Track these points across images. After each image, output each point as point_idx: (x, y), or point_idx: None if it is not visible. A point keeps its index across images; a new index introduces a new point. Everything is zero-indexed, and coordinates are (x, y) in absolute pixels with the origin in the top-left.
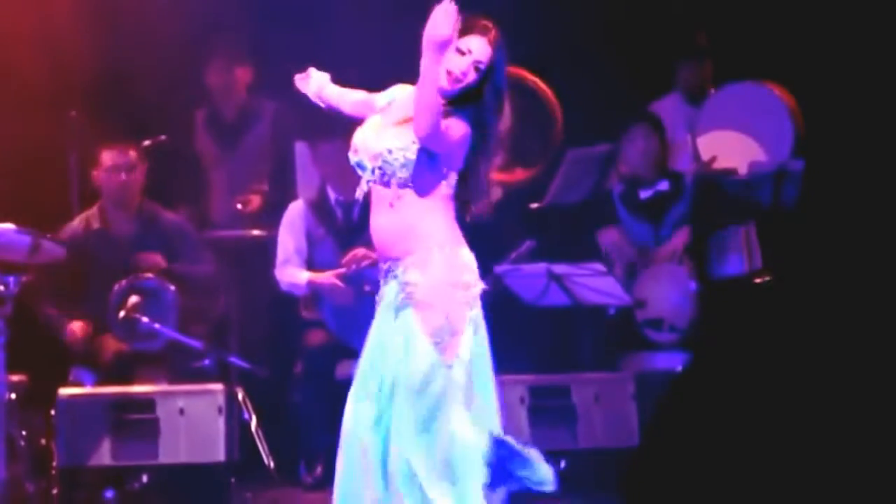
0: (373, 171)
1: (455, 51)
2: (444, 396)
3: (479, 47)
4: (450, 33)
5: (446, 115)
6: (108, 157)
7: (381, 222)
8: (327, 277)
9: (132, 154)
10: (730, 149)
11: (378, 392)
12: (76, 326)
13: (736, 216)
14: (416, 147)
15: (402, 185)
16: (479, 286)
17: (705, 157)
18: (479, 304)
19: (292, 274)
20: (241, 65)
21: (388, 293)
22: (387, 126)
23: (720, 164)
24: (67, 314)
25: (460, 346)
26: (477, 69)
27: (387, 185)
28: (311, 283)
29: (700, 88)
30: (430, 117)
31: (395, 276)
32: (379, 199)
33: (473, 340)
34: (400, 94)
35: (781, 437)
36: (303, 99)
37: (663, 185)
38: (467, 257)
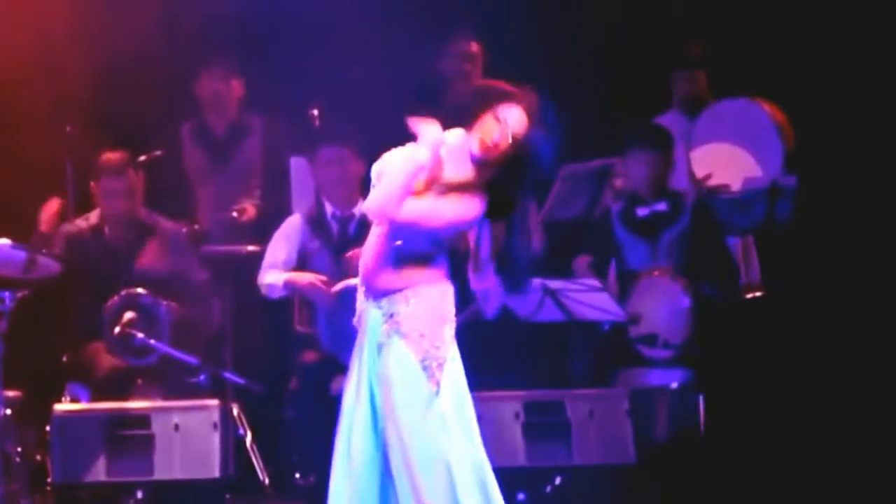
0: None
1: (492, 117)
2: (436, 425)
3: (515, 117)
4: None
5: (471, 190)
6: (107, 182)
7: (374, 256)
8: (306, 277)
9: (131, 175)
10: (723, 163)
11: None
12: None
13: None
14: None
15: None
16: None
17: (699, 173)
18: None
19: (271, 275)
20: (236, 77)
21: (372, 326)
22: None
23: (713, 181)
24: None
25: (445, 375)
26: (512, 138)
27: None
28: (287, 284)
29: (696, 100)
30: (384, 205)
31: (380, 307)
32: (380, 234)
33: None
34: (451, 141)
35: (775, 448)
36: (290, 114)
37: (661, 206)
38: (450, 293)
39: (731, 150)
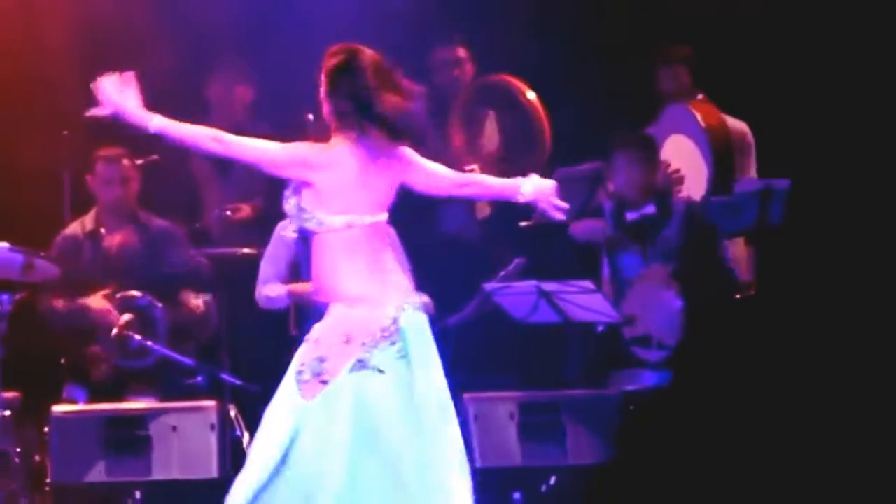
0: None
1: None
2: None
3: None
4: None
5: None
6: (103, 168)
7: None
8: (307, 286)
9: (126, 164)
10: (684, 156)
11: None
12: (96, 301)
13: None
14: None
15: None
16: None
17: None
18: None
19: (271, 289)
20: (241, 83)
21: None
22: None
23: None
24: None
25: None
26: None
27: None
28: (290, 293)
29: (680, 98)
30: None
31: None
32: None
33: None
34: None
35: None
36: (297, 123)
37: (649, 209)
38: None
39: (684, 140)
